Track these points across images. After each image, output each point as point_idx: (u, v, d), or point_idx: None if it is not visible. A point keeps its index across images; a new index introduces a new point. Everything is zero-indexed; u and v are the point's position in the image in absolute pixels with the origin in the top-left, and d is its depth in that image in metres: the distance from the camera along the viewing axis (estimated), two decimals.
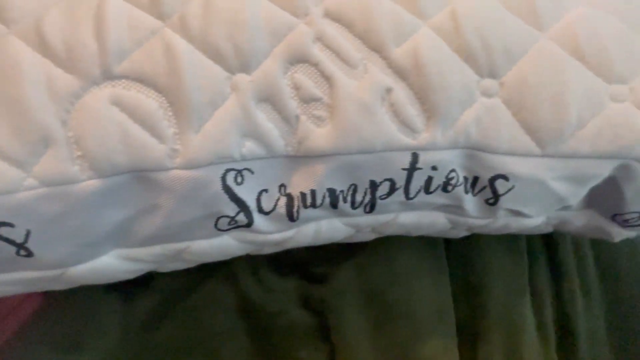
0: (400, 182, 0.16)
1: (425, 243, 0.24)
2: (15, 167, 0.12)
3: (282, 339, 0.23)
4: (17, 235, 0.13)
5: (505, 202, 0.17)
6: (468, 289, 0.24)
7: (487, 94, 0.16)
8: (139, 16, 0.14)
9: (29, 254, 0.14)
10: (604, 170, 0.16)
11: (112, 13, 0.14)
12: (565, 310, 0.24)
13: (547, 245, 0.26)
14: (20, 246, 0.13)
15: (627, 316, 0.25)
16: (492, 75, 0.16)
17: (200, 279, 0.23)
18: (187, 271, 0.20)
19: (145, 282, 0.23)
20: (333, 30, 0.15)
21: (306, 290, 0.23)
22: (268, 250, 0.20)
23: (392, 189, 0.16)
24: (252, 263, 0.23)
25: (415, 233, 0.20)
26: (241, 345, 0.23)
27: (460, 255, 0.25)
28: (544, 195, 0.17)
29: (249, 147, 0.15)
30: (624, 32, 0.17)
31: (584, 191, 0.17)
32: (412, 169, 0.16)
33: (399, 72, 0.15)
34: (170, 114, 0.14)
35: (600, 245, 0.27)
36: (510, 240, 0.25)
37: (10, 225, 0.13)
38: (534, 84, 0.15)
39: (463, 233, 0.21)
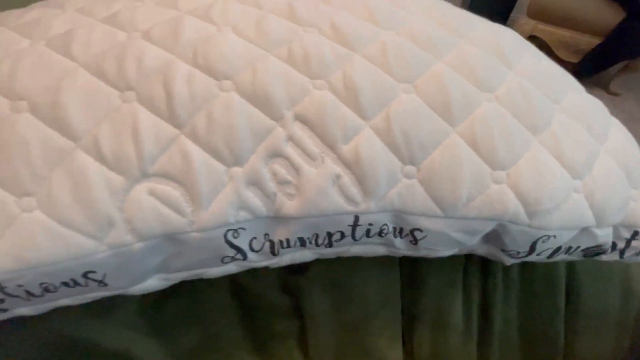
0: (348, 232, 0.23)
1: None
2: (94, 240, 0.19)
3: (264, 315, 0.28)
4: (98, 276, 0.20)
5: (422, 244, 0.24)
6: (413, 281, 0.30)
7: (407, 176, 0.21)
8: (162, 126, 0.20)
9: (105, 285, 0.21)
10: (487, 227, 0.22)
11: (144, 126, 0.19)
12: (488, 300, 0.30)
13: None
14: (100, 282, 0.20)
15: (536, 305, 0.31)
16: (412, 162, 0.21)
17: None
18: None
19: None
20: (300, 131, 0.21)
21: (284, 278, 0.29)
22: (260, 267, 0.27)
23: (343, 236, 0.23)
24: None
25: (364, 256, 0.27)
26: (231, 318, 0.28)
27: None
28: (449, 241, 0.23)
29: (242, 215, 0.21)
30: (513, 126, 0.22)
31: (476, 238, 0.23)
32: (355, 225, 0.22)
33: (346, 164, 0.21)
34: (188, 198, 0.20)
35: None
36: None
37: (94, 272, 0.19)
38: (440, 169, 0.21)
39: (401, 255, 0.28)
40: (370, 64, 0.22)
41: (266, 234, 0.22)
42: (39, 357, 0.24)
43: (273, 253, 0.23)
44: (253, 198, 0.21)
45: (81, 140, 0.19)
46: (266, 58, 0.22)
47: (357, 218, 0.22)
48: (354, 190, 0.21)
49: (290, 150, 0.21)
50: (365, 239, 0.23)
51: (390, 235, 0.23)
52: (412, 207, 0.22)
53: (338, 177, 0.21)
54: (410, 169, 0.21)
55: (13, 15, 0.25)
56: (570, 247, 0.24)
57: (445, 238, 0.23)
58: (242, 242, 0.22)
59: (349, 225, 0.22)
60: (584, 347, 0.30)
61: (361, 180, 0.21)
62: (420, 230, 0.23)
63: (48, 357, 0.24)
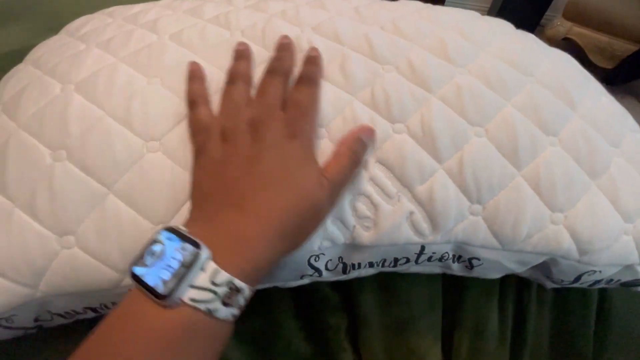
0: (413, 258, 0.25)
1: None
2: None
3: (318, 309, 0.31)
4: None
5: (477, 269, 0.26)
6: (454, 288, 0.32)
7: (473, 213, 0.24)
8: None
9: None
10: (539, 259, 0.25)
11: None
12: (522, 311, 0.32)
13: None
14: None
15: (568, 320, 0.32)
16: (479, 202, 0.23)
17: None
18: None
19: None
20: (381, 173, 0.23)
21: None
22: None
23: (407, 261, 0.26)
24: None
25: (419, 272, 0.30)
26: (289, 310, 0.30)
27: None
28: (501, 268, 0.26)
29: (325, 244, 0.24)
30: (573, 171, 0.24)
31: (527, 267, 0.26)
32: (420, 253, 0.25)
33: (419, 202, 0.23)
34: None
35: None
36: None
37: None
38: (504, 209, 0.23)
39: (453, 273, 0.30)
40: (446, 106, 0.24)
41: (340, 257, 0.25)
42: None
43: (344, 272, 0.26)
44: (336, 230, 0.23)
45: None
46: (352, 103, 0.24)
47: (423, 247, 0.24)
48: (424, 225, 0.23)
49: (371, 190, 0.23)
50: (426, 262, 0.26)
51: (449, 261, 0.26)
52: (474, 240, 0.24)
53: (411, 213, 0.23)
54: (476, 207, 0.23)
55: (115, 37, 0.27)
56: (611, 280, 0.26)
57: (499, 266, 0.25)
58: (320, 264, 0.25)
59: (415, 253, 0.25)
60: None
61: (432, 217, 0.23)
62: (477, 259, 0.25)
63: None
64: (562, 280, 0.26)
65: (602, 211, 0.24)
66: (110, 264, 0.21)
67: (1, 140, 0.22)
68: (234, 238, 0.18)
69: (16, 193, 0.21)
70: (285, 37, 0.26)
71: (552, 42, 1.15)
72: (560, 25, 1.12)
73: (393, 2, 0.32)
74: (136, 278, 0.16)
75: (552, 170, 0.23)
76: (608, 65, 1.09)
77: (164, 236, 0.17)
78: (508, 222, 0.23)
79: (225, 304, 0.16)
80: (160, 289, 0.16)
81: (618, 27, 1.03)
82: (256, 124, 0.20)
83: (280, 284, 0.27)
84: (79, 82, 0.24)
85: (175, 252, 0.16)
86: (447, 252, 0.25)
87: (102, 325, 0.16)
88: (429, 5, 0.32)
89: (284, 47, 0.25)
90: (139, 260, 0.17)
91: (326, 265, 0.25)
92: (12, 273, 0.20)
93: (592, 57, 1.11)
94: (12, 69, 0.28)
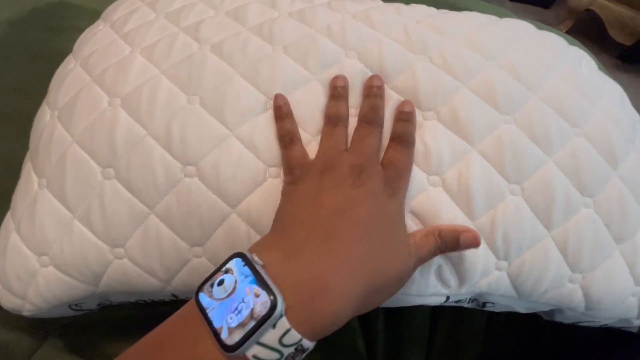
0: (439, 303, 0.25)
1: None
2: None
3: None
4: None
5: (487, 308, 0.27)
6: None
7: (499, 269, 0.23)
8: None
9: None
10: (548, 308, 0.25)
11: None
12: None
13: None
14: None
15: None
16: (506, 259, 0.23)
17: None
18: None
19: None
20: (412, 224, 0.22)
21: None
22: None
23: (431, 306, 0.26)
24: None
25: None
26: None
27: None
28: (510, 309, 0.26)
29: None
30: (602, 236, 0.23)
31: (534, 311, 0.26)
32: (445, 301, 0.25)
33: (448, 257, 0.23)
34: None
35: None
36: None
37: None
38: (530, 268, 0.23)
39: None
40: (486, 162, 0.23)
41: None
42: None
43: None
44: None
45: (237, 207, 0.22)
46: None
47: (447, 298, 0.24)
48: (451, 278, 0.23)
49: None
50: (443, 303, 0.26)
51: (465, 302, 0.26)
52: (495, 292, 0.24)
53: (439, 266, 0.23)
54: (502, 263, 0.23)
55: (158, 42, 0.26)
56: (604, 325, 0.26)
57: (508, 308, 0.26)
58: None
59: (440, 302, 0.25)
60: None
61: (459, 272, 0.23)
62: (492, 303, 0.25)
63: None
64: (562, 322, 0.27)
65: (618, 276, 0.23)
66: (154, 275, 0.23)
67: (61, 151, 0.23)
68: (315, 285, 0.15)
69: (74, 205, 0.22)
70: (377, 78, 0.24)
71: (574, 13, 1.08)
72: None
73: (444, 17, 0.29)
74: (200, 307, 0.14)
75: (582, 234, 0.23)
76: (627, 41, 1.02)
77: (237, 267, 0.15)
78: (530, 279, 0.23)
79: None
80: (225, 336, 0.14)
81: None
82: (358, 170, 0.20)
83: None
84: (125, 97, 0.23)
85: (246, 294, 0.14)
86: (465, 299, 0.25)
87: (155, 334, 0.15)
88: (483, 25, 0.28)
89: (377, 94, 0.23)
90: (206, 286, 0.15)
91: None
92: (76, 274, 0.22)
93: (612, 32, 1.03)
94: (63, 62, 0.28)
